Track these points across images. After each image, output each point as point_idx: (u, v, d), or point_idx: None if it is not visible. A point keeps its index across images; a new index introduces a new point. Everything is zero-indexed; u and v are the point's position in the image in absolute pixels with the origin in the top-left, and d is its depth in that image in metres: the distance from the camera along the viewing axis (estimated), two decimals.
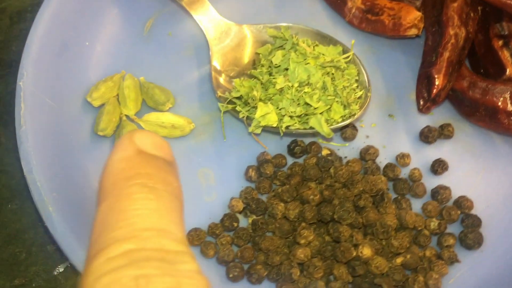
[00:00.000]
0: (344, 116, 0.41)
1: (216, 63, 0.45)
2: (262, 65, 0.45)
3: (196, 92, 0.46)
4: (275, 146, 0.44)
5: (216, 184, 0.43)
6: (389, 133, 0.44)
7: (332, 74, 0.41)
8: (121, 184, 0.24)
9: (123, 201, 0.23)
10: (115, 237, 0.22)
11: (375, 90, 0.45)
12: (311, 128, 0.41)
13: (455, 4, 0.42)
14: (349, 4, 0.48)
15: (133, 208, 0.23)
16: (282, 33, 0.46)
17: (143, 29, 0.50)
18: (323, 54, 0.43)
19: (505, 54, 0.42)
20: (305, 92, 0.40)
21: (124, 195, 0.23)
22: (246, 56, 0.46)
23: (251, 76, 0.44)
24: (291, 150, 0.42)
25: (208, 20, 0.46)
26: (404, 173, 0.42)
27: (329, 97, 0.40)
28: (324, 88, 0.41)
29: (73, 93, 0.45)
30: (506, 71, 0.42)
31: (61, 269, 0.42)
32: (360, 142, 0.44)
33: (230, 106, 0.43)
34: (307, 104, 0.40)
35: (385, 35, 0.46)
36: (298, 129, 0.41)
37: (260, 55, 0.46)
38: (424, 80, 0.41)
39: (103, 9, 0.48)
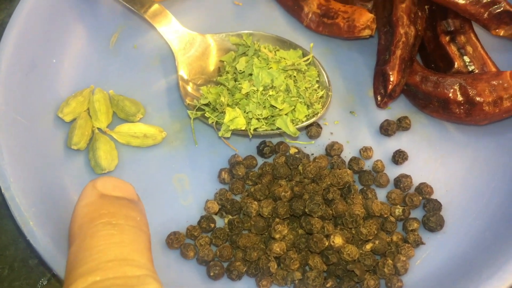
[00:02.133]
0: (308, 115, 0.43)
1: (183, 72, 0.47)
2: (227, 72, 0.47)
3: (166, 102, 0.48)
4: (245, 148, 0.46)
5: (191, 189, 0.44)
6: (352, 129, 0.46)
7: (294, 76, 0.44)
8: (86, 226, 0.27)
9: (88, 240, 0.26)
10: (81, 273, 0.25)
11: (336, 89, 0.48)
12: (278, 128, 0.43)
13: (404, 5, 0.45)
14: (306, 9, 0.50)
15: (97, 244, 0.26)
16: (244, 40, 0.48)
17: (109, 43, 0.51)
18: (284, 58, 0.45)
19: (452, 49, 0.45)
20: (269, 95, 0.42)
21: (89, 235, 0.26)
22: (211, 64, 0.48)
23: (218, 83, 0.46)
24: (260, 151, 0.44)
25: (172, 31, 0.48)
26: (368, 165, 0.45)
27: (292, 99, 0.42)
28: (287, 90, 0.43)
29: (44, 109, 0.45)
30: (454, 64, 0.45)
31: (45, 282, 0.43)
32: (325, 139, 0.46)
33: (199, 113, 0.44)
34: (272, 106, 0.42)
35: (341, 37, 0.49)
36: (266, 130, 0.43)
37: (225, 62, 0.48)
38: (380, 77, 0.44)
39: (68, 26, 0.49)
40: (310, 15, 0.50)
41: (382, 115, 0.47)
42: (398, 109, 0.47)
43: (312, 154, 0.45)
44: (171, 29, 0.48)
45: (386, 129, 0.45)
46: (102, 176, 0.30)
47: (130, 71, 0.50)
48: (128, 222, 0.27)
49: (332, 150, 0.44)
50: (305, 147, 0.46)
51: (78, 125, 0.45)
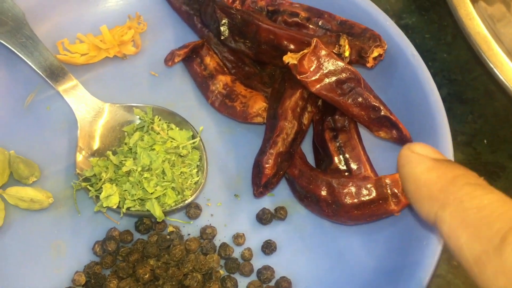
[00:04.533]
0: (177, 201, 0.45)
1: (81, 142, 0.49)
2: (125, 143, 0.49)
3: (64, 166, 0.50)
4: (127, 222, 0.47)
5: (67, 257, 0.46)
6: (232, 213, 0.48)
7: (173, 160, 0.45)
8: (450, 189, 0.24)
9: (468, 201, 0.23)
10: (501, 229, 0.21)
11: (226, 170, 0.49)
12: (148, 210, 0.44)
13: (291, 100, 0.47)
14: (212, 88, 0.52)
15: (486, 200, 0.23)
16: (145, 114, 0.50)
17: (24, 102, 0.53)
18: (172, 139, 0.47)
19: (333, 146, 0.47)
20: (145, 177, 0.44)
21: (464, 197, 0.23)
22: (114, 134, 0.50)
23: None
24: (137, 227, 0.46)
25: (79, 99, 0.50)
26: (238, 251, 0.46)
27: (164, 183, 0.44)
28: (163, 173, 0.45)
29: None
30: (333, 161, 0.46)
31: None
32: (204, 220, 0.47)
33: (83, 184, 0.46)
34: (145, 188, 0.44)
35: (237, 120, 0.50)
36: (138, 210, 0.45)
37: (126, 133, 0.50)
38: (256, 168, 0.46)
39: None
40: (215, 94, 0.52)
41: (265, 201, 0.48)
42: (281, 196, 0.48)
43: (189, 234, 0.47)
44: (78, 97, 0.51)
45: (261, 218, 0.46)
46: (414, 143, 0.27)
47: (38, 132, 0.52)
48: (483, 182, 0.24)
49: (204, 233, 0.46)
50: (184, 226, 0.47)
51: None
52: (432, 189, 0.25)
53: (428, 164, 0.25)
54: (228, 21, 0.51)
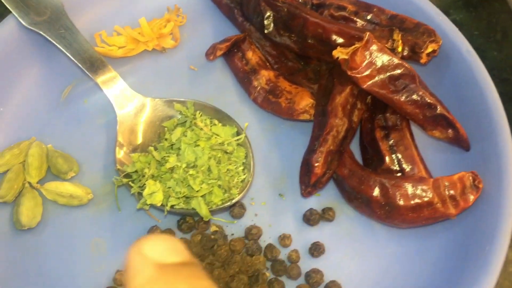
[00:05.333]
0: (224, 199, 0.43)
1: (121, 136, 0.47)
2: (166, 139, 0.47)
3: (102, 162, 0.49)
4: (169, 220, 0.46)
5: (107, 255, 0.44)
6: (277, 213, 0.46)
7: (219, 157, 0.44)
8: None
9: None
10: None
11: (270, 169, 0.48)
12: (193, 208, 0.43)
13: (341, 96, 0.45)
14: (255, 83, 0.50)
15: None
16: (186, 109, 0.48)
17: (61, 95, 0.52)
18: (217, 135, 0.45)
19: (384, 145, 0.45)
20: (190, 174, 0.42)
21: None
22: (154, 129, 0.49)
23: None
24: (179, 226, 0.44)
25: (118, 93, 0.49)
26: (284, 253, 0.44)
27: (211, 181, 0.42)
28: (209, 170, 0.43)
29: None
30: (385, 161, 0.44)
31: None
32: (248, 219, 0.46)
33: (125, 180, 0.45)
34: (190, 185, 0.42)
35: (282, 116, 0.49)
36: (182, 208, 0.43)
37: (166, 128, 0.48)
38: (305, 167, 0.44)
39: (20, 74, 0.51)
40: (257, 90, 0.50)
41: (311, 202, 0.46)
42: (327, 197, 0.46)
43: (233, 234, 0.45)
44: (118, 91, 0.49)
45: (308, 219, 0.45)
46: (145, 237, 0.23)
47: (75, 126, 0.50)
48: None
49: (250, 234, 0.44)
50: (227, 226, 0.45)
51: (7, 178, 0.46)
52: None
53: (147, 275, 0.22)
54: (273, 14, 0.49)
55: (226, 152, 0.44)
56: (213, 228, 0.45)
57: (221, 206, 0.43)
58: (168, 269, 0.22)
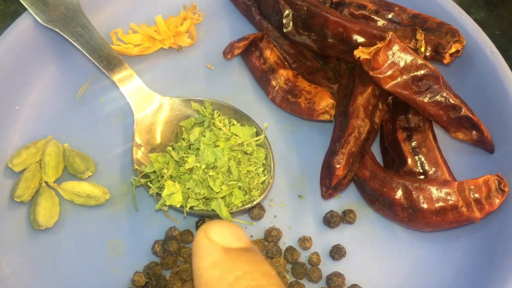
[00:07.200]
0: (244, 201, 0.42)
1: (138, 136, 0.47)
2: (183, 139, 0.46)
3: (119, 162, 0.48)
4: (187, 220, 0.45)
5: (124, 256, 0.44)
6: (297, 214, 0.45)
7: (239, 158, 0.43)
8: None
9: None
10: None
11: (289, 170, 0.47)
12: (213, 210, 0.42)
13: (362, 97, 0.44)
14: (273, 83, 0.50)
15: None
16: (204, 108, 0.47)
17: (76, 94, 0.51)
18: (236, 135, 0.45)
19: (407, 146, 0.44)
20: (209, 175, 0.42)
21: None
22: (171, 128, 0.48)
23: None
24: (198, 227, 0.44)
25: (135, 92, 0.48)
26: (305, 255, 0.43)
27: (231, 182, 0.42)
28: (229, 171, 0.42)
29: None
30: (407, 163, 0.44)
31: None
32: (267, 221, 0.45)
33: (143, 181, 0.44)
34: (210, 187, 0.42)
35: (301, 117, 0.48)
36: (202, 210, 0.42)
37: (183, 128, 0.48)
38: (327, 168, 0.43)
39: (37, 72, 0.50)
40: (276, 89, 0.49)
41: (331, 203, 0.46)
42: (348, 199, 0.46)
43: (252, 236, 0.44)
44: (135, 90, 0.48)
45: (329, 221, 0.44)
46: (211, 222, 0.25)
47: (91, 125, 0.50)
48: (269, 280, 0.23)
49: (270, 236, 0.43)
50: (246, 227, 0.45)
51: (24, 177, 0.45)
52: None
53: (215, 257, 0.23)
54: (292, 12, 0.48)
55: (246, 153, 0.43)
56: None
57: (241, 208, 0.42)
58: (233, 253, 0.24)
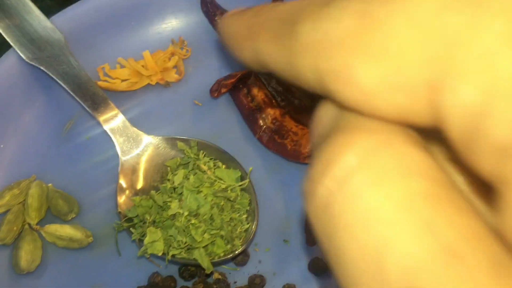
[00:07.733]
0: (227, 251, 0.42)
1: (123, 179, 0.46)
2: (168, 180, 0.46)
3: (103, 201, 0.47)
4: (171, 265, 0.45)
5: None
6: (281, 260, 0.45)
7: (222, 205, 0.42)
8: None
9: None
10: None
11: (274, 213, 0.47)
12: (195, 259, 0.42)
13: None
14: (260, 122, 0.49)
15: None
16: (189, 149, 0.47)
17: (62, 130, 0.51)
18: (220, 179, 0.44)
19: None
20: (192, 223, 0.41)
21: None
22: (156, 168, 0.48)
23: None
24: (181, 274, 0.43)
25: (121, 133, 0.48)
26: None
27: (213, 231, 0.41)
28: (211, 219, 0.42)
29: None
30: None
31: None
32: (252, 267, 0.44)
33: (125, 225, 0.44)
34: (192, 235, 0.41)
35: (288, 159, 0.47)
36: (183, 258, 0.42)
37: (169, 168, 0.47)
38: None
39: (21, 109, 0.49)
40: (263, 129, 0.49)
41: (317, 249, 0.45)
42: None
43: (235, 282, 0.44)
44: (120, 129, 0.48)
45: (315, 269, 0.43)
46: None
47: (76, 164, 0.49)
48: None
49: (253, 284, 0.43)
50: (230, 273, 0.44)
51: (7, 220, 0.45)
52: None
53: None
54: None
55: (229, 200, 0.43)
56: (215, 276, 0.43)
57: (223, 258, 0.42)
58: None
